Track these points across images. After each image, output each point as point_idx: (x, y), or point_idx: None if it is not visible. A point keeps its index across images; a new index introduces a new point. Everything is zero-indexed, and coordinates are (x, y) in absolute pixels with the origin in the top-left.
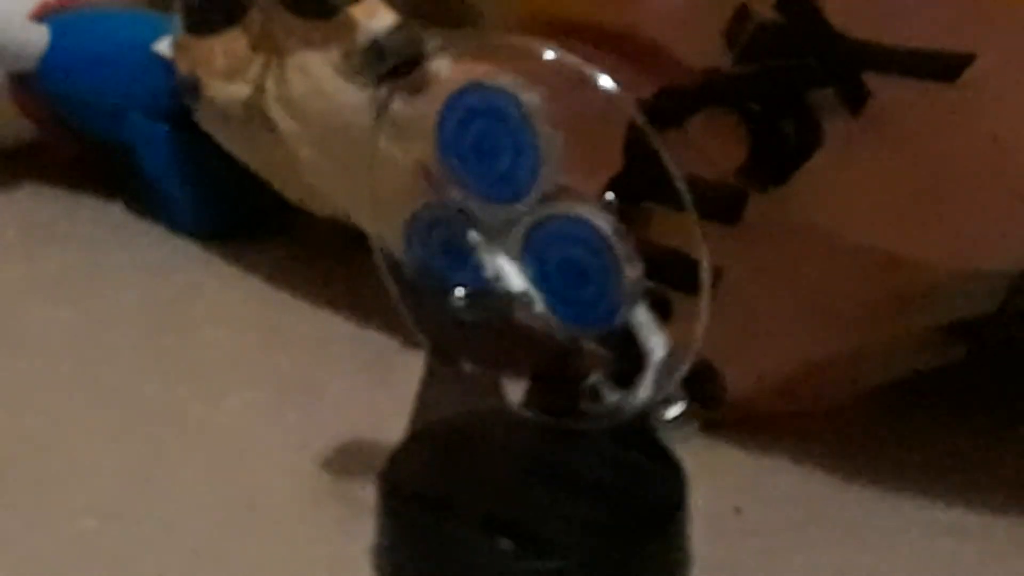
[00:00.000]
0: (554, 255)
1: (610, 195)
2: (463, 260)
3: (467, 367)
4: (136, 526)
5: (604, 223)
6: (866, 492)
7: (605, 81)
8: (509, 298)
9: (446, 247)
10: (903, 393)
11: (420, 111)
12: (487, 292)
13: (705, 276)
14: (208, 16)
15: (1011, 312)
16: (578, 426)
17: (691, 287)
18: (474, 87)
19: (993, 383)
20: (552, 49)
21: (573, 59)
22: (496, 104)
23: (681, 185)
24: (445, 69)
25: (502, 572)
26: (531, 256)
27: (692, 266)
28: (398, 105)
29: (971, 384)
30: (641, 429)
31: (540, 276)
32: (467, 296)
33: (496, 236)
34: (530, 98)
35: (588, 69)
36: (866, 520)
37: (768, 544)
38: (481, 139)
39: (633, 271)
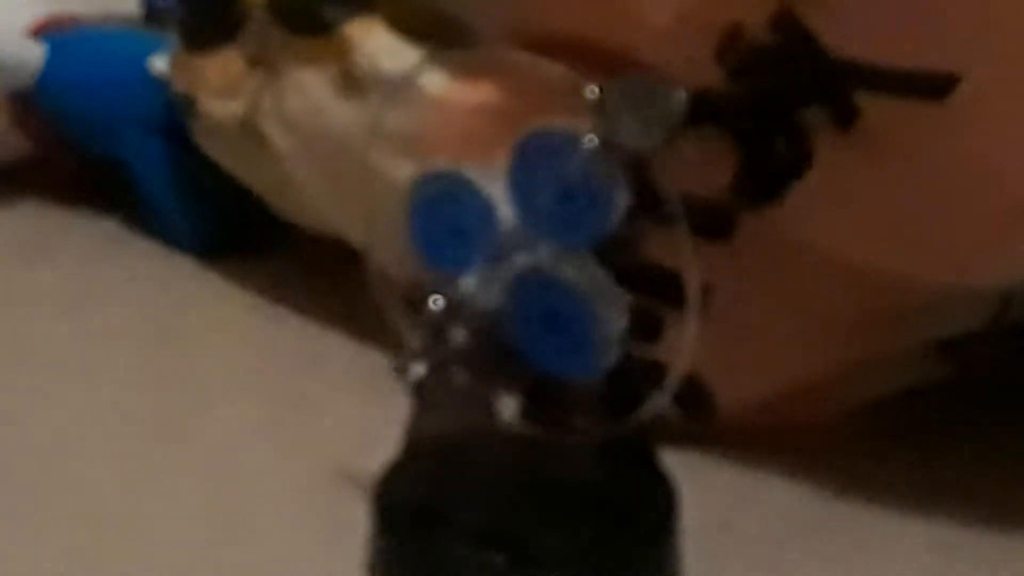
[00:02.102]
0: (544, 179)
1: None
2: (467, 239)
3: (460, 382)
4: (129, 539)
5: (588, 145)
6: (856, 508)
7: (586, 84)
8: (483, 312)
9: (452, 224)
10: (893, 409)
11: (415, 127)
12: (463, 303)
13: (693, 291)
14: (204, 33)
15: (1001, 329)
16: (570, 440)
17: (682, 303)
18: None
19: (983, 399)
20: (543, 63)
21: (565, 72)
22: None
23: (672, 201)
24: (439, 85)
25: None
26: (521, 179)
27: (683, 282)
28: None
29: (961, 400)
30: (632, 444)
31: (529, 195)
32: (444, 305)
33: None
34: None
35: (580, 83)
36: (856, 536)
37: (758, 559)
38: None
39: (620, 193)
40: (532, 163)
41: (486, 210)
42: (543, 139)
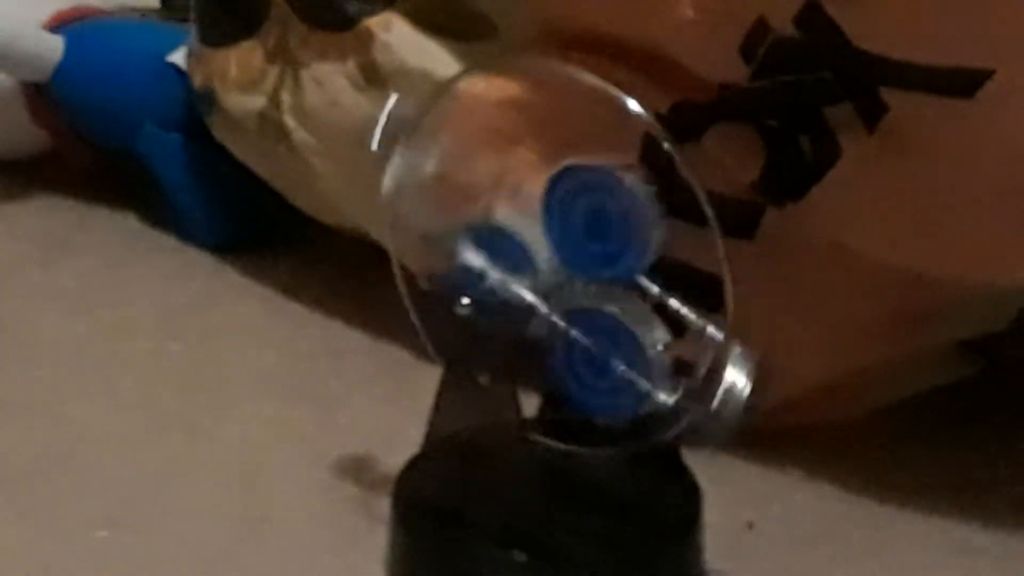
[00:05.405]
0: (579, 205)
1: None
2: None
3: (482, 380)
4: (150, 536)
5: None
6: (880, 508)
7: (625, 98)
8: (511, 308)
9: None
10: (918, 409)
11: (437, 125)
12: (492, 301)
13: (729, 293)
14: (223, 27)
15: None
16: (587, 451)
17: (709, 303)
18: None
19: (1008, 401)
20: (572, 68)
21: (592, 77)
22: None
23: (703, 198)
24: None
25: None
26: (554, 206)
27: (709, 281)
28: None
29: (986, 402)
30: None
31: (562, 228)
32: (473, 305)
33: None
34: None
35: (607, 87)
36: (880, 536)
37: (781, 560)
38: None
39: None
40: (567, 199)
41: (523, 256)
42: (578, 174)
